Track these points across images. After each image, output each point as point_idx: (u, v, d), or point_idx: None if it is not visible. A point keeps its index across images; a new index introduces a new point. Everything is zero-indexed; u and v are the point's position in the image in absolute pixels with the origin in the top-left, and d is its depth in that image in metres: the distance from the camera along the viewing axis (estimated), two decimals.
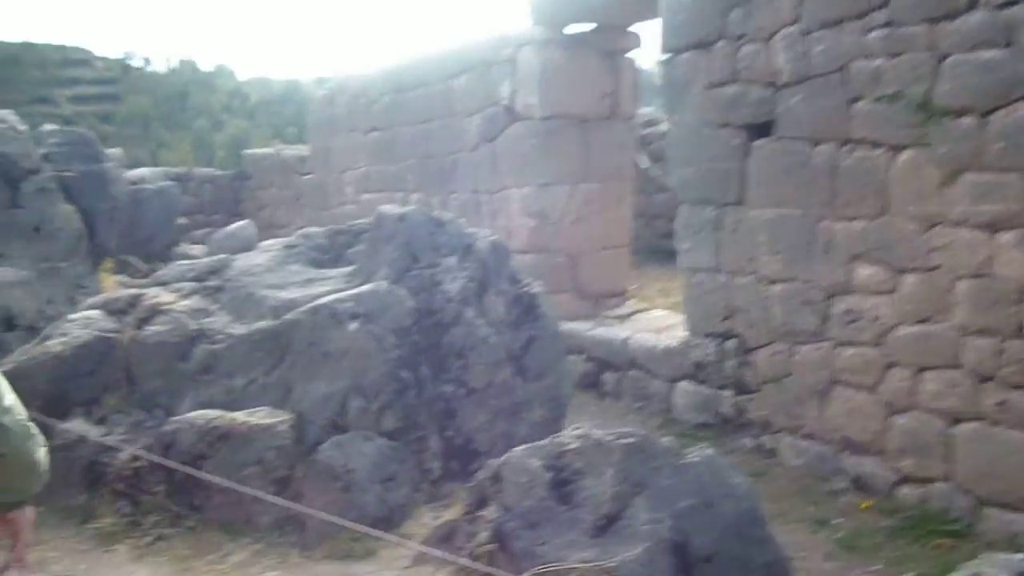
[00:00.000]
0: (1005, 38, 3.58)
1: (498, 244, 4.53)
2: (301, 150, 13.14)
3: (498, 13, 48.10)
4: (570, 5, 6.64)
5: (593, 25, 6.77)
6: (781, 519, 3.82)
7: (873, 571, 3.59)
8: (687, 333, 5.42)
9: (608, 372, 6.16)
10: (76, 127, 7.82)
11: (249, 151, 15.83)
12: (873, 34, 4.09)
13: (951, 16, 3.76)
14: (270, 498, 3.22)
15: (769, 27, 4.62)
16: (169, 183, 9.70)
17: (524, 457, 2.87)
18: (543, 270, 6.39)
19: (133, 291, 4.73)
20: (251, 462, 3.70)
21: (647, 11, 6.00)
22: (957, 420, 3.87)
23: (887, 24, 4.02)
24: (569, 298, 6.79)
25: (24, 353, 4.13)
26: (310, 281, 4.61)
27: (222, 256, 5.23)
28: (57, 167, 6.51)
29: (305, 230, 5.21)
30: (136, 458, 3.85)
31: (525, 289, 4.46)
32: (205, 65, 32.87)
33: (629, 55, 7.11)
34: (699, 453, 2.84)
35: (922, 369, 4.00)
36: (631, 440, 2.84)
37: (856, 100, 4.19)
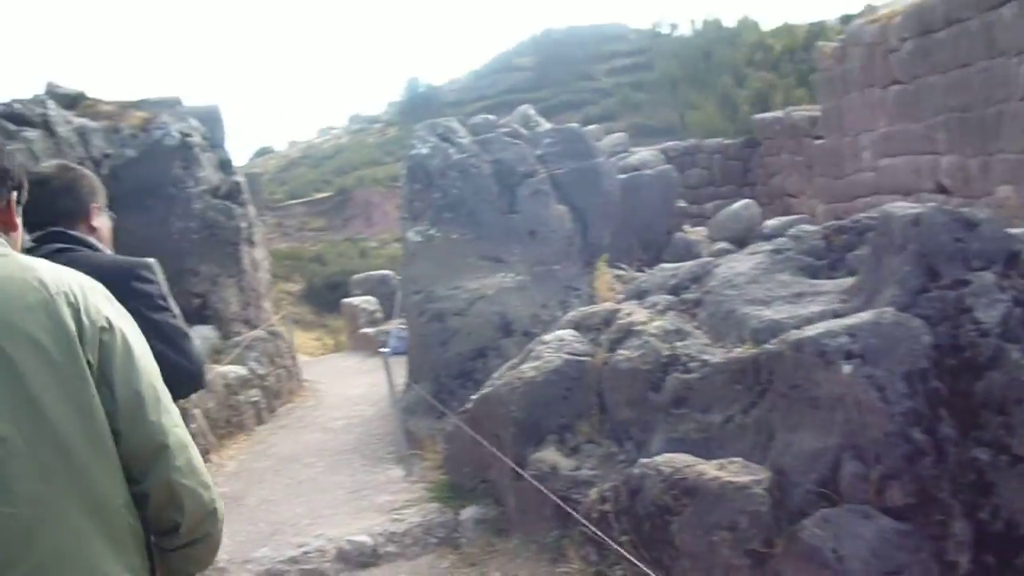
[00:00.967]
0: None
1: None
2: (812, 111, 12.06)
3: None
4: None
5: None
6: None
7: None
8: None
9: None
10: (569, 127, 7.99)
11: (759, 116, 15.15)
12: None
13: None
14: None
15: None
16: (666, 167, 9.52)
17: None
18: None
19: (608, 307, 4.51)
20: (721, 525, 3.16)
21: None
22: None
23: None
24: None
25: (500, 377, 4.13)
26: (800, 296, 3.88)
27: (704, 261, 4.75)
28: (551, 167, 6.65)
29: (797, 229, 4.46)
30: (604, 499, 3.58)
31: None
32: (729, 21, 32.80)
33: None
34: None
35: None
36: None
37: None
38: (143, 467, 1.40)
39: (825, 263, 4.12)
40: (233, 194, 9.71)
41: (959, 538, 2.98)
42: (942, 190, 8.14)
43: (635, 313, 4.24)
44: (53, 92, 8.49)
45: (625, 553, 3.36)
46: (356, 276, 16.68)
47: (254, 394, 8.12)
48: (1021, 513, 3.00)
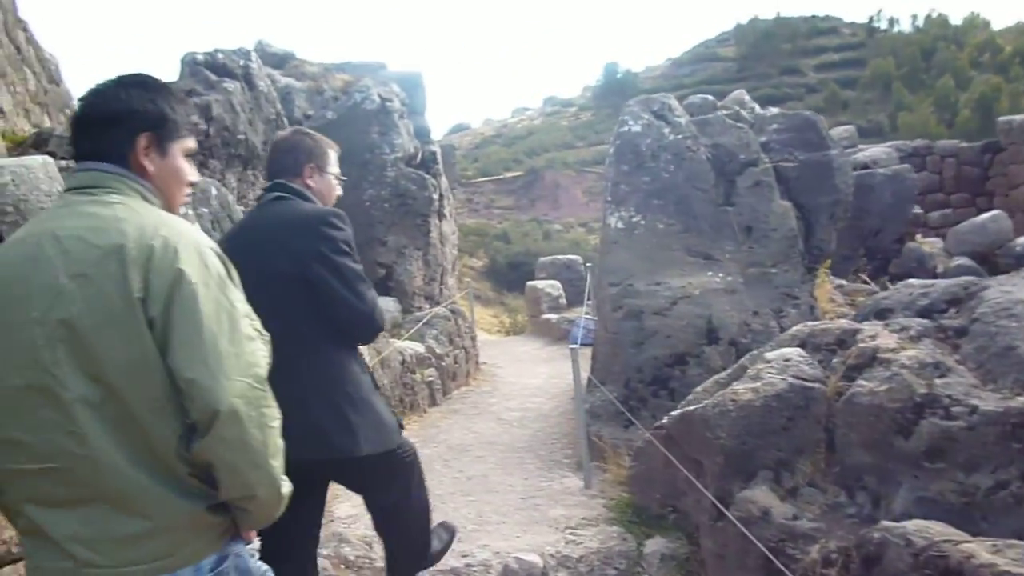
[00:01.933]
0: None
1: None
2: None
3: None
4: None
5: None
6: None
7: None
8: None
9: None
10: (799, 110, 7.14)
11: (1004, 118, 13.39)
12: None
13: None
14: None
15: None
16: (903, 166, 8.40)
17: None
18: None
19: (844, 324, 3.78)
20: None
21: None
22: None
23: None
24: None
25: (705, 392, 3.55)
26: None
27: (965, 281, 3.91)
28: (776, 157, 5.89)
29: None
30: (829, 561, 2.94)
31: None
32: (955, 18, 30.00)
33: None
34: None
35: None
36: None
37: None
38: (199, 429, 1.42)
39: None
40: (428, 163, 9.55)
41: None
42: None
43: (880, 336, 3.50)
44: (263, 51, 8.62)
45: None
46: (542, 259, 16.37)
47: (430, 374, 7.86)
48: None
